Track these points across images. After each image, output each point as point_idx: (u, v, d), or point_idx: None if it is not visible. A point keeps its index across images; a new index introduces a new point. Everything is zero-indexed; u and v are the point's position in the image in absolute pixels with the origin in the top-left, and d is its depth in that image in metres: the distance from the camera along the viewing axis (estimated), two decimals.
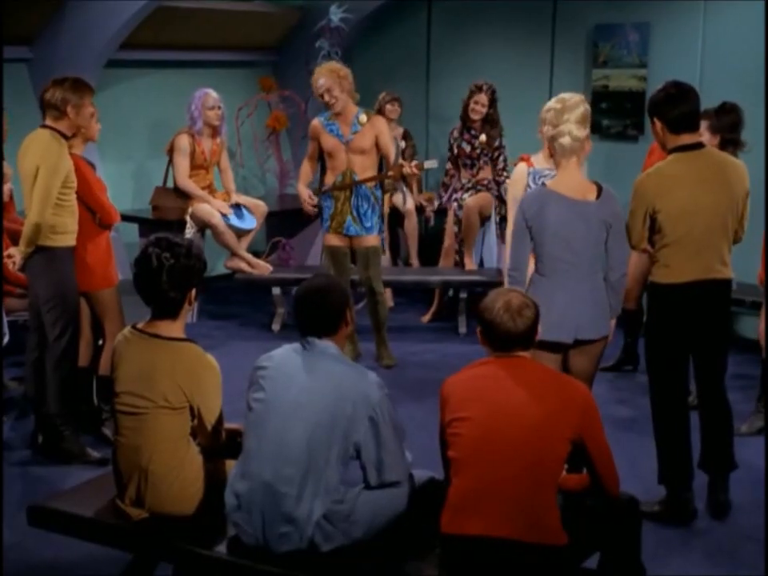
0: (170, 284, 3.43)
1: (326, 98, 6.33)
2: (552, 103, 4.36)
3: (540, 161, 5.34)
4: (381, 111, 8.06)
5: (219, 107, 7.27)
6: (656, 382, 4.46)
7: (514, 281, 4.28)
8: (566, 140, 4.24)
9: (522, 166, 5.41)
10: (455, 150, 7.70)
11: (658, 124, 4.26)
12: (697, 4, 7.53)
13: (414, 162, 6.67)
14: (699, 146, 4.28)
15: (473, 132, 7.61)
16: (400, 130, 8.38)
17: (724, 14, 7.40)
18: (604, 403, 4.91)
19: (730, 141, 5.46)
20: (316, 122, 6.55)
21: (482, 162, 7.65)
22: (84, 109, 4.92)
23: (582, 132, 4.27)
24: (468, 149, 7.65)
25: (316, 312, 3.31)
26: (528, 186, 5.28)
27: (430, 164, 6.68)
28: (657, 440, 4.48)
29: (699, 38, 7.52)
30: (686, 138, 4.22)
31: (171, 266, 3.42)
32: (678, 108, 4.19)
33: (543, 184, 4.38)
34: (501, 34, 8.64)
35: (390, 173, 6.54)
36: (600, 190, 4.28)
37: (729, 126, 5.48)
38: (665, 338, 4.38)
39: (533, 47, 8.44)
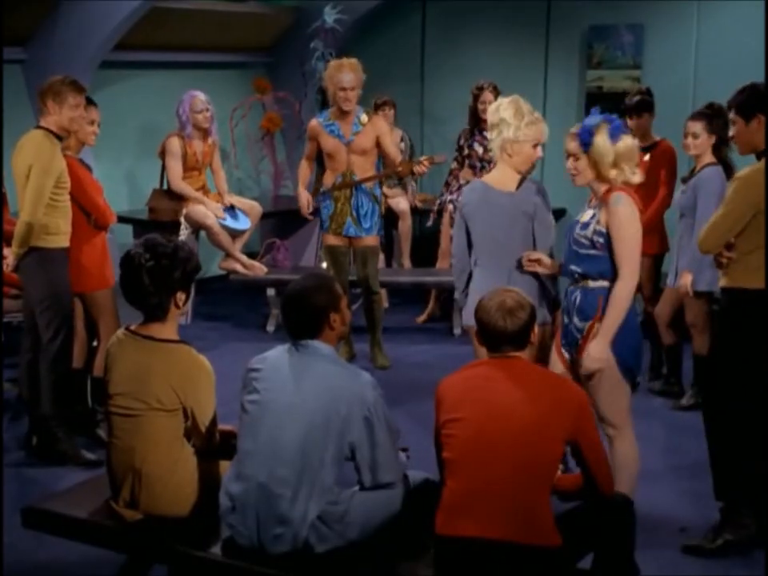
0: (152, 286, 3.41)
1: (346, 94, 6.20)
2: (500, 100, 4.49)
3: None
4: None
5: (208, 109, 7.18)
6: (724, 395, 4.09)
7: (455, 267, 4.65)
8: (491, 135, 4.44)
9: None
10: (466, 151, 7.53)
11: (762, 119, 3.98)
12: (690, 5, 7.55)
13: (425, 157, 6.60)
14: None
15: (484, 133, 7.50)
16: (399, 133, 8.35)
17: (717, 14, 7.43)
18: None
19: (723, 141, 5.49)
20: (315, 122, 6.49)
21: (493, 165, 7.53)
22: (66, 105, 4.79)
23: (504, 134, 4.33)
24: (481, 151, 7.47)
25: (295, 314, 3.30)
26: None
27: (439, 159, 6.66)
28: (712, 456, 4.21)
29: (693, 38, 7.55)
30: None
31: (151, 268, 3.39)
32: None
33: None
34: (495, 36, 8.66)
35: (399, 169, 6.50)
36: (521, 181, 4.41)
37: (722, 126, 5.50)
38: (747, 349, 4.01)
39: (527, 48, 8.45)
